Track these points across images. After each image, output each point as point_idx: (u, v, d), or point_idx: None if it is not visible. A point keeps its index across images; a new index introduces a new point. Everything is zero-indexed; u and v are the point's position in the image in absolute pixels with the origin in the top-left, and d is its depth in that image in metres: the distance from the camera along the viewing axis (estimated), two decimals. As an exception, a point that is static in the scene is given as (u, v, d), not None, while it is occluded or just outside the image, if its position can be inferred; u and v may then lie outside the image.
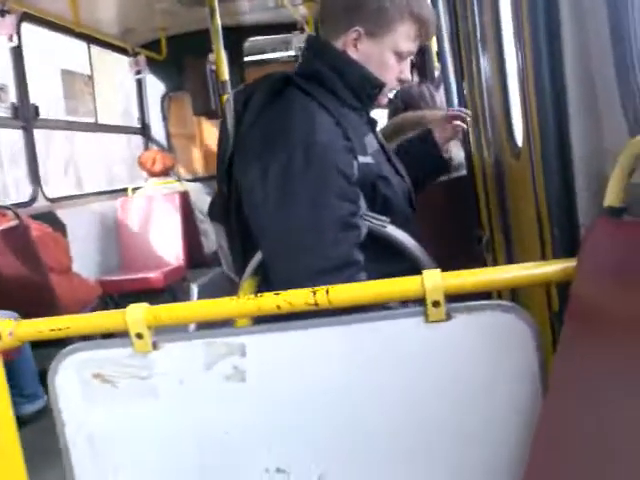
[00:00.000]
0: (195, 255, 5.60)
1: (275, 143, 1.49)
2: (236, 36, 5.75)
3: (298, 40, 6.26)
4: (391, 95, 1.70)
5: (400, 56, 1.59)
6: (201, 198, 5.92)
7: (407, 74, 1.64)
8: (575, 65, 1.07)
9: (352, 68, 1.58)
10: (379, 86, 1.60)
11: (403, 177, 1.66)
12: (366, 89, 1.59)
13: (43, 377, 3.42)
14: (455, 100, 3.15)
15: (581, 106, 1.07)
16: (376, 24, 1.56)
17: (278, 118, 1.52)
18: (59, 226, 4.57)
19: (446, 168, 1.84)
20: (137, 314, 1.16)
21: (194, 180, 6.32)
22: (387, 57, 1.58)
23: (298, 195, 1.44)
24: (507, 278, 1.10)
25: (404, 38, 1.57)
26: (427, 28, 1.60)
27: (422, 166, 1.82)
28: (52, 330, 1.21)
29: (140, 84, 6.35)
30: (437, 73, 4.07)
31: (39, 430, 2.52)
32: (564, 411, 0.92)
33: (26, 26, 4.65)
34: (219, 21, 3.38)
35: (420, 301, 1.11)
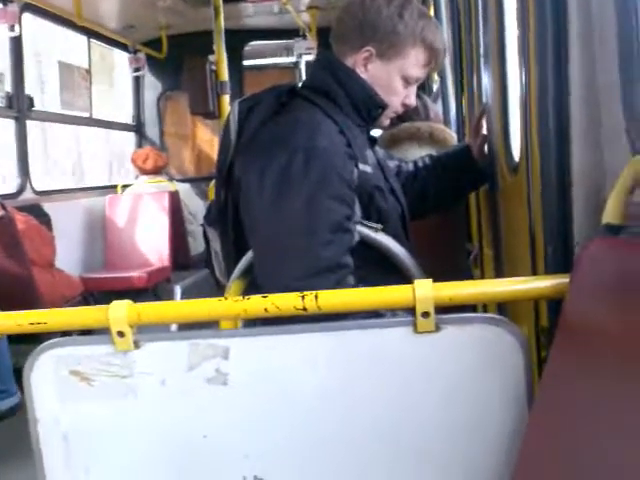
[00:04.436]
0: (181, 256, 5.55)
1: (277, 145, 1.50)
2: (237, 39, 5.72)
3: (299, 47, 6.22)
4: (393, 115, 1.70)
5: (407, 81, 1.62)
6: (191, 199, 5.88)
7: (412, 100, 1.66)
8: (580, 81, 1.06)
9: (359, 86, 1.60)
10: (382, 107, 1.62)
11: (398, 197, 1.67)
12: (369, 108, 1.62)
13: (17, 374, 3.35)
14: (453, 113, 3.15)
15: (583, 122, 1.07)
16: (388, 46, 1.58)
17: (283, 124, 1.54)
18: (45, 219, 4.51)
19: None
20: (120, 311, 1.13)
21: (185, 180, 6.27)
22: (395, 80, 1.61)
23: (294, 195, 1.44)
24: (499, 291, 1.09)
25: (413, 64, 1.60)
26: (437, 57, 1.63)
27: (462, 178, 1.84)
28: (32, 324, 1.18)
29: (138, 81, 6.31)
30: (436, 86, 4.08)
31: (10, 428, 2.45)
32: (550, 427, 0.90)
33: (27, 16, 4.62)
34: (222, 22, 3.37)
35: (410, 311, 1.09)
